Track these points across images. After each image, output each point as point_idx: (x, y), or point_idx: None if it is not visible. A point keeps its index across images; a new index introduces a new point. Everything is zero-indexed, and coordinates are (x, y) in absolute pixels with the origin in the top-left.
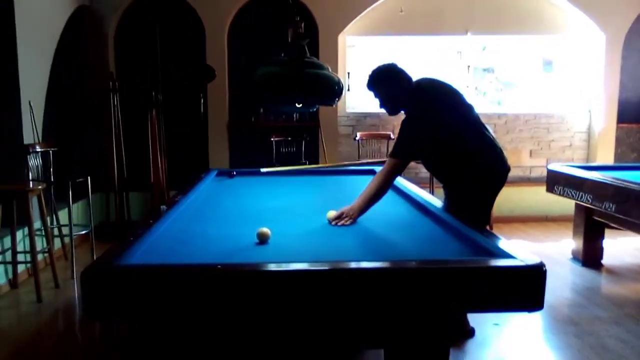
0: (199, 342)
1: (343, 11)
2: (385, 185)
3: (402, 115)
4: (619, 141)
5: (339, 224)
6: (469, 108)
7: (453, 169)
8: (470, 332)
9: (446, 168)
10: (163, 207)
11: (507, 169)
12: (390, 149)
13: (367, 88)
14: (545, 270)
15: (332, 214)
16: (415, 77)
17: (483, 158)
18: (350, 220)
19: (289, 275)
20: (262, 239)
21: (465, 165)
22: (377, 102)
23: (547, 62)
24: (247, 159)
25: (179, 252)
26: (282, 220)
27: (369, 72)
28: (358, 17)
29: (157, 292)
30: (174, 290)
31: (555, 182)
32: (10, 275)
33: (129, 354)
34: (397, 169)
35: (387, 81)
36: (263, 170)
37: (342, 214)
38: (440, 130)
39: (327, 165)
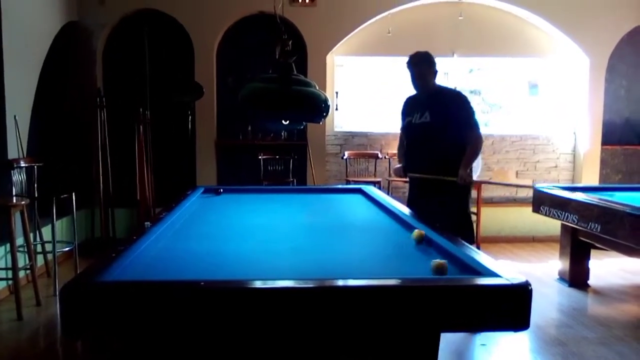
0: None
1: (331, 31)
2: (480, 149)
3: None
4: (603, 162)
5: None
6: None
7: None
8: None
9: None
10: (147, 223)
11: None
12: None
13: (406, 66)
14: (531, 289)
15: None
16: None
17: None
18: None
19: (273, 293)
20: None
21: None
22: (364, 121)
23: (533, 85)
24: (235, 176)
25: (161, 268)
26: (267, 237)
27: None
28: (346, 38)
29: (139, 310)
30: (156, 308)
31: (541, 202)
32: None
33: None
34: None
35: (431, 62)
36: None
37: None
38: None
39: None
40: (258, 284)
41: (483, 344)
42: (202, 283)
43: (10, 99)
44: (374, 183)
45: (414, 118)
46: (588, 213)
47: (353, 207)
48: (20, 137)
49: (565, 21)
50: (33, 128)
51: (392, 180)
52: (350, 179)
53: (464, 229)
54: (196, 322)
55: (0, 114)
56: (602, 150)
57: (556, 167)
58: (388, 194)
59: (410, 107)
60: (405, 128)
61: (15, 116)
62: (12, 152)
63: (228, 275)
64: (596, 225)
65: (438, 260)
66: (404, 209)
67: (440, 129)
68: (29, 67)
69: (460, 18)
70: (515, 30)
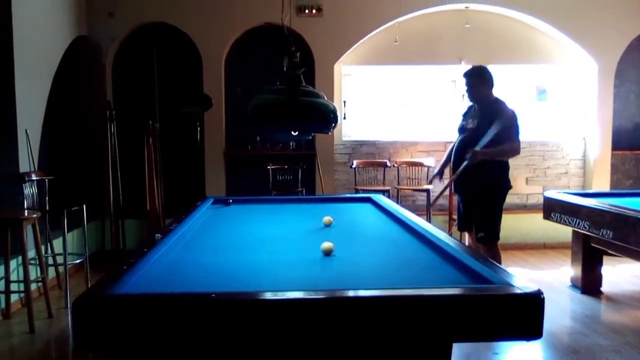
0: None
1: (339, 41)
2: (511, 155)
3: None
4: (614, 168)
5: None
6: None
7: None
8: None
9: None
10: (157, 235)
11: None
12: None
13: (463, 76)
14: (544, 298)
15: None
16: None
17: (508, 171)
18: (474, 158)
19: (284, 304)
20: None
21: (500, 168)
22: (372, 130)
23: (541, 91)
24: (244, 187)
25: (172, 280)
26: (277, 248)
27: (471, 66)
28: (353, 47)
29: (150, 322)
30: (168, 320)
31: (552, 209)
32: (3, 305)
33: None
34: (520, 147)
35: (483, 75)
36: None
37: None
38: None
39: None
40: (269, 296)
41: (496, 353)
42: (213, 295)
43: (21, 112)
44: (383, 192)
45: (467, 123)
46: (600, 219)
47: (363, 216)
48: (31, 151)
49: (573, 27)
50: (44, 141)
51: (402, 189)
52: (359, 187)
53: (487, 227)
54: (208, 334)
55: (11, 128)
56: (613, 156)
57: (566, 173)
58: (397, 202)
59: (468, 113)
60: (459, 130)
61: (26, 130)
62: (24, 166)
63: (239, 287)
64: (608, 231)
65: (326, 243)
66: (414, 218)
67: (478, 138)
68: (40, 81)
69: (467, 26)
70: (523, 37)
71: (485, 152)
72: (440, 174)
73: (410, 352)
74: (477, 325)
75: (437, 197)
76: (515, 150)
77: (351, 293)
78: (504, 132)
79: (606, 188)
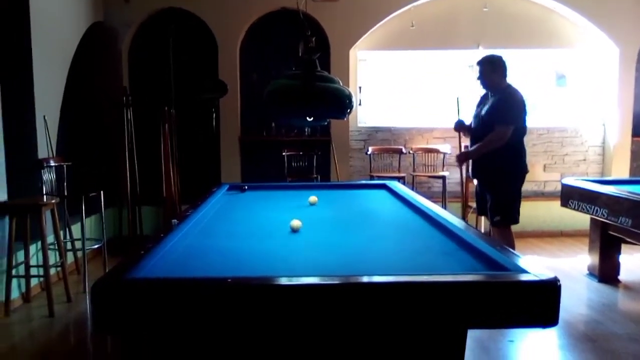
0: (208, 356)
1: (354, 26)
2: (498, 142)
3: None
4: (634, 155)
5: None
6: None
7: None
8: None
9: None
10: (174, 221)
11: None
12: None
13: (476, 64)
14: (560, 285)
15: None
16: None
17: (523, 155)
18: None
19: (299, 290)
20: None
21: (513, 153)
22: (387, 116)
23: (560, 76)
24: (259, 173)
25: (189, 265)
26: (292, 234)
27: (486, 55)
28: (369, 32)
29: (167, 306)
30: (184, 304)
31: (570, 196)
32: (23, 289)
33: None
34: (508, 134)
35: (493, 63)
36: None
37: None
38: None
39: None
40: (284, 281)
41: (511, 340)
42: (230, 280)
43: (39, 99)
44: (398, 178)
45: (481, 110)
46: (618, 207)
47: (378, 203)
48: (49, 137)
49: (594, 10)
50: (62, 127)
51: (417, 175)
52: (375, 174)
53: (501, 212)
54: (223, 318)
55: (30, 114)
56: (633, 142)
57: (585, 160)
58: (412, 189)
59: (481, 100)
60: (474, 118)
61: (44, 116)
62: (42, 152)
63: (254, 272)
64: (627, 219)
65: (295, 221)
66: (429, 204)
67: (487, 123)
68: (57, 67)
69: (485, 9)
70: (542, 21)
71: (470, 152)
72: (460, 125)
73: (425, 338)
74: (492, 312)
75: (461, 187)
76: (498, 138)
77: (366, 279)
78: (495, 111)
79: (625, 175)
